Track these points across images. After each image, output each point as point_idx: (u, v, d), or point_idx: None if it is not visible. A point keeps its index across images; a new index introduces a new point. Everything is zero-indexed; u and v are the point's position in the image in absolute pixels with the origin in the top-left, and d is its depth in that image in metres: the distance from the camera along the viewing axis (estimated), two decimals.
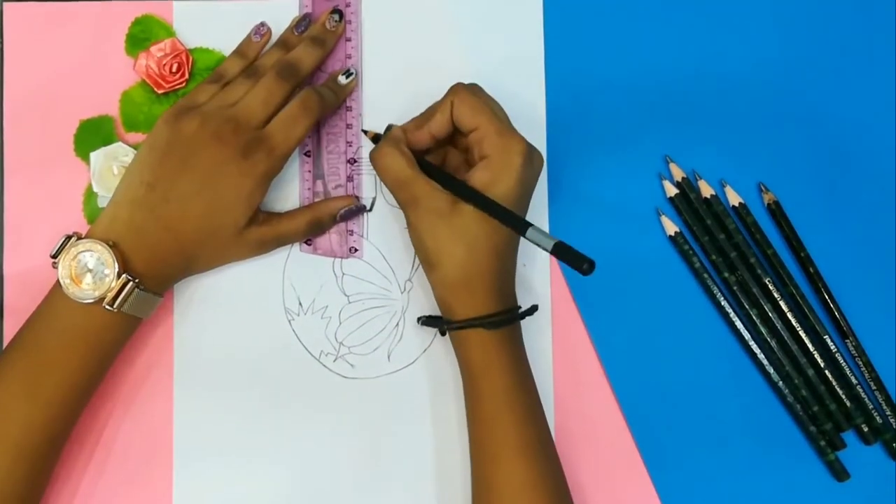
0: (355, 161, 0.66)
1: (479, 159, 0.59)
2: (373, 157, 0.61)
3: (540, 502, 0.57)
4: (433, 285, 0.61)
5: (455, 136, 0.63)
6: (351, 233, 0.66)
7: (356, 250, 0.66)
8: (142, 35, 0.66)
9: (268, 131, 0.60)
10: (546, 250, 0.54)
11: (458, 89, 0.60)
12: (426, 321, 0.65)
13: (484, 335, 0.59)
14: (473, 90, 0.60)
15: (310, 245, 0.66)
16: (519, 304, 0.61)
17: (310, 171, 0.66)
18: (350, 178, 0.66)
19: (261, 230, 0.62)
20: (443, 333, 0.63)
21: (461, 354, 0.61)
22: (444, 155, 0.64)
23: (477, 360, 0.59)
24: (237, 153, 0.59)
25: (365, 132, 0.65)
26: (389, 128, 0.62)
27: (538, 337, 0.65)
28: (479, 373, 0.59)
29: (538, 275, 0.66)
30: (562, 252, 0.53)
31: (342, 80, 0.65)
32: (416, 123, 0.62)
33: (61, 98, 0.66)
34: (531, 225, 0.55)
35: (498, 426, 0.58)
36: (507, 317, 0.59)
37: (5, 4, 0.66)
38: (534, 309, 0.62)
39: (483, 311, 0.59)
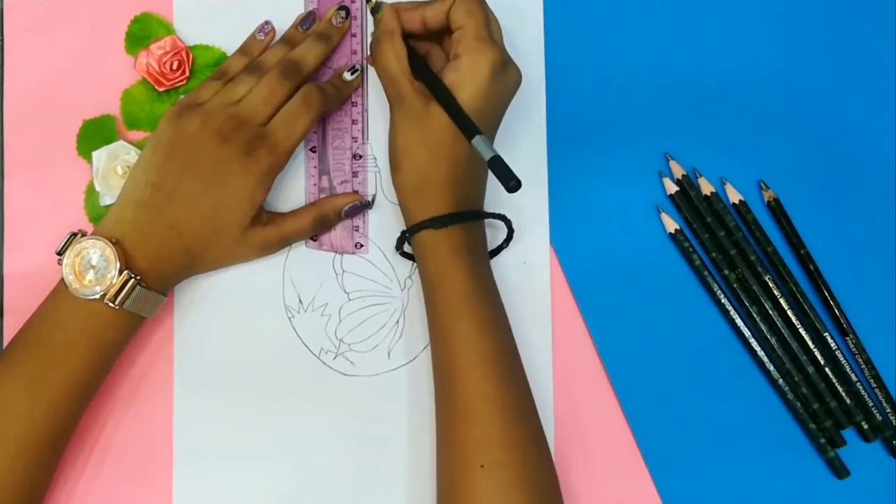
0: (361, 157, 0.66)
1: (452, 58, 0.60)
2: (373, 52, 0.62)
3: (495, 413, 0.57)
4: (396, 188, 0.62)
5: (443, 37, 0.64)
6: (356, 228, 0.66)
7: (361, 245, 0.66)
8: (141, 33, 0.66)
9: (270, 128, 0.60)
10: (484, 161, 0.55)
11: None
12: (396, 245, 0.64)
13: (438, 243, 0.60)
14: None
15: (315, 241, 0.66)
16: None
17: (315, 167, 0.66)
18: (355, 174, 0.66)
19: (265, 231, 0.62)
20: (399, 245, 0.63)
21: (419, 266, 0.61)
22: (426, 50, 0.64)
23: (432, 268, 0.60)
24: (240, 151, 0.59)
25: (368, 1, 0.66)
26: (379, 5, 0.63)
27: (539, 336, 0.65)
28: (434, 282, 0.60)
29: (538, 274, 0.66)
30: (496, 166, 0.54)
31: (347, 76, 0.65)
32: (413, 5, 0.62)
33: (62, 96, 0.66)
34: (480, 133, 0.56)
35: (453, 337, 0.58)
36: (457, 216, 0.60)
37: (6, 3, 0.66)
38: (509, 227, 0.63)
39: (434, 214, 0.60)
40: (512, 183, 0.53)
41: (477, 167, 0.62)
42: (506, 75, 0.60)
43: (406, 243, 0.63)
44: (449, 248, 0.60)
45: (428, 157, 0.60)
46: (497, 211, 0.63)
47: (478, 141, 0.56)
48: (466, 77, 0.59)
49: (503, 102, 0.61)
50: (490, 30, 0.60)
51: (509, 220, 0.63)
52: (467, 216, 0.61)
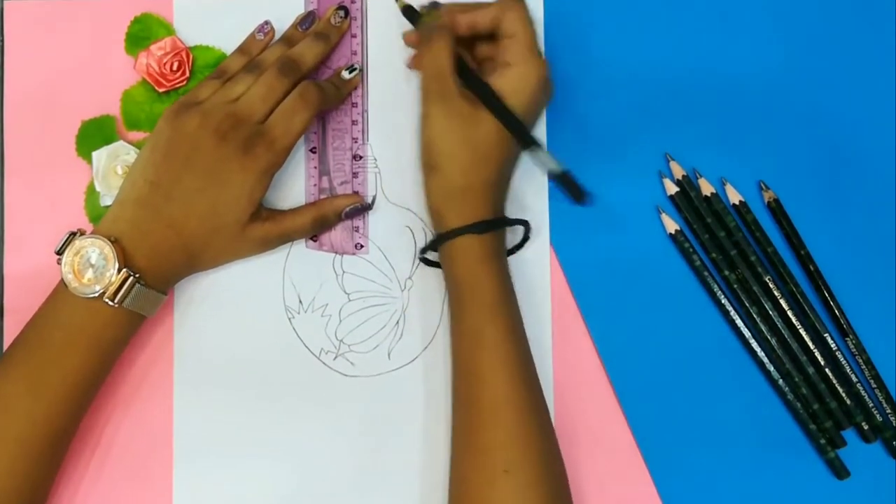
0: (361, 157, 0.66)
1: (502, 66, 0.59)
2: (424, 41, 0.61)
3: (518, 417, 0.57)
4: (429, 192, 0.61)
5: (475, 43, 0.63)
6: (357, 229, 0.66)
7: (362, 246, 0.66)
8: (141, 34, 0.66)
9: (267, 125, 0.60)
10: (545, 173, 0.54)
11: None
12: (423, 249, 0.64)
13: (473, 248, 0.59)
14: (525, 5, 0.61)
15: (315, 241, 0.66)
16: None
17: (316, 168, 0.66)
18: (356, 175, 0.66)
19: (265, 227, 0.62)
20: (430, 249, 0.63)
21: (448, 270, 0.61)
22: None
23: (464, 273, 0.60)
24: (238, 149, 0.59)
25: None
26: (436, 5, 0.63)
27: (539, 336, 0.65)
28: (465, 286, 0.60)
29: (538, 274, 0.66)
30: (567, 181, 0.54)
31: (345, 75, 0.65)
32: (462, 8, 0.62)
33: (62, 97, 0.66)
34: (538, 145, 0.55)
35: (481, 341, 0.59)
36: (497, 222, 0.60)
37: (6, 3, 0.66)
38: (526, 231, 0.63)
39: (475, 219, 0.59)
40: (584, 199, 0.53)
41: (512, 170, 0.62)
42: (547, 89, 0.60)
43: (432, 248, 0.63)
44: (484, 253, 0.60)
45: (472, 160, 0.59)
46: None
47: (543, 155, 0.55)
48: (516, 87, 0.59)
49: (539, 115, 0.62)
50: (537, 42, 0.60)
51: (529, 226, 0.63)
52: (506, 222, 0.61)
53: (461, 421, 0.59)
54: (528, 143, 0.56)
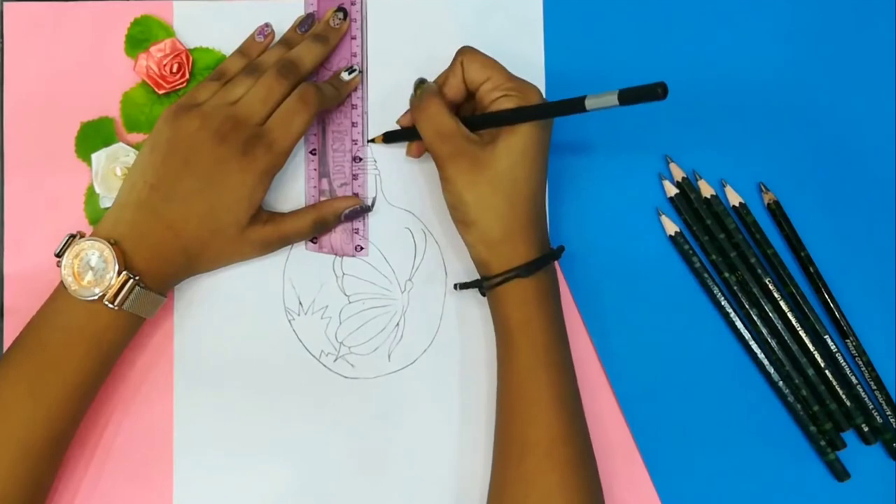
0: (360, 159, 0.66)
1: (500, 98, 0.59)
2: (417, 107, 0.61)
3: (572, 457, 0.57)
4: (471, 244, 0.60)
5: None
6: (357, 231, 0.66)
7: (362, 248, 0.66)
8: (141, 36, 0.66)
9: (267, 127, 0.60)
10: (615, 106, 0.52)
11: (464, 49, 0.61)
12: (463, 285, 0.63)
13: (524, 289, 0.59)
14: (479, 50, 0.61)
15: (315, 243, 0.66)
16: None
17: (315, 170, 0.66)
18: (355, 177, 0.66)
19: (265, 229, 0.62)
20: (483, 294, 0.62)
21: (499, 312, 0.60)
22: None
23: (516, 315, 0.59)
24: (238, 151, 0.59)
25: (372, 140, 0.66)
26: (422, 81, 0.63)
27: None
28: (517, 328, 0.59)
29: None
30: (632, 96, 0.51)
31: (345, 76, 0.65)
32: (440, 82, 0.62)
33: (61, 98, 0.66)
34: (585, 96, 0.54)
35: (533, 382, 0.58)
36: (540, 261, 0.59)
37: (5, 4, 0.66)
38: (560, 250, 0.61)
39: (521, 261, 0.59)
40: (659, 90, 0.50)
41: (545, 200, 0.61)
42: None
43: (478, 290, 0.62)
44: (537, 293, 0.59)
45: (506, 204, 0.58)
46: None
47: (592, 101, 0.53)
48: (524, 102, 0.58)
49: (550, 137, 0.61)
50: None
51: (563, 249, 0.62)
52: (547, 258, 0.60)
53: (511, 460, 0.59)
54: (579, 106, 0.54)
